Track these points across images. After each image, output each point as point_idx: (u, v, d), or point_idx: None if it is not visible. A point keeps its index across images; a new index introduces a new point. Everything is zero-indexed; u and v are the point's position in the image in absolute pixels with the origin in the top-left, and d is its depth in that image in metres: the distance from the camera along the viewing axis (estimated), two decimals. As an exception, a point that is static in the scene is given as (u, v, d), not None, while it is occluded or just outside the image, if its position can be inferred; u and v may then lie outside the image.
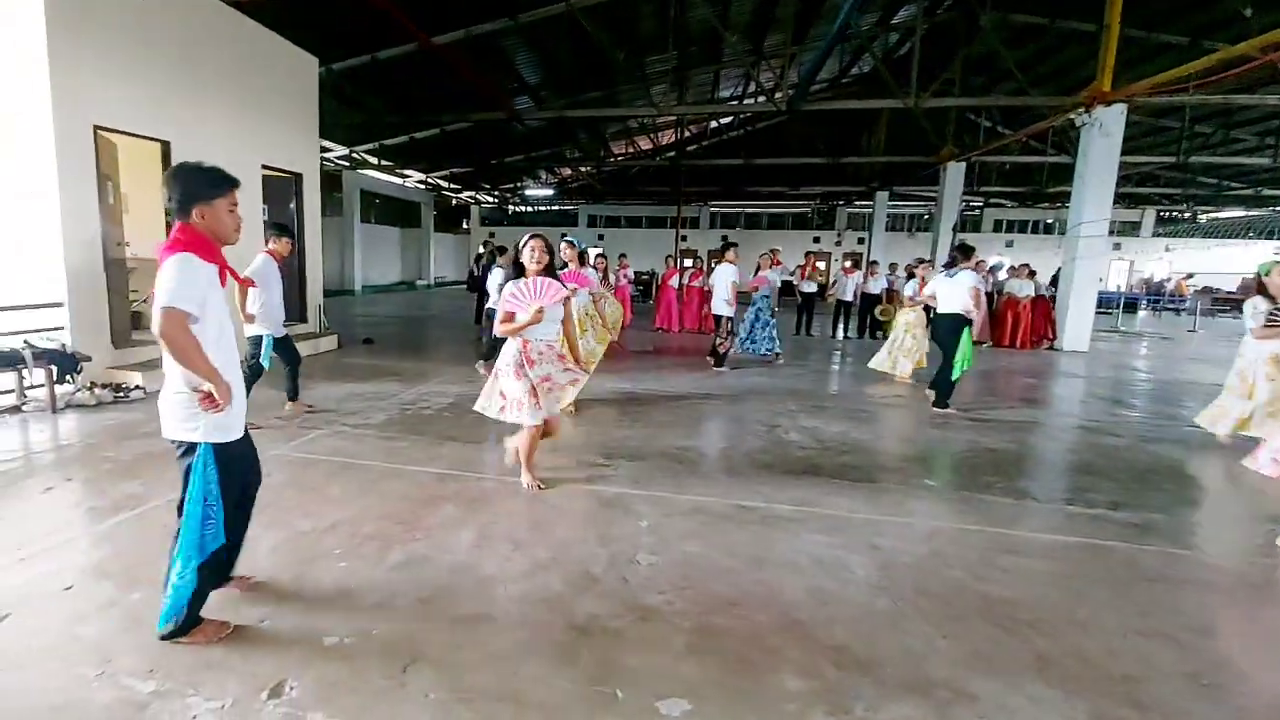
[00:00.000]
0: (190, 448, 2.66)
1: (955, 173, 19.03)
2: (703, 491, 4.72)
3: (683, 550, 3.75)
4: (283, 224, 6.56)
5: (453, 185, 30.93)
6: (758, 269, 10.98)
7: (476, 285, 15.57)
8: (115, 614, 2.93)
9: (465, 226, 38.46)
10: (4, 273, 7.11)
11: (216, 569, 2.83)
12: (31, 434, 5.80)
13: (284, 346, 6.34)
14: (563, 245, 6.61)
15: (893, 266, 15.56)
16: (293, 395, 6.68)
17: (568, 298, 4.55)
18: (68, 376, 6.68)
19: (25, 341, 6.48)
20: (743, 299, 10.13)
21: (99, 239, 7.44)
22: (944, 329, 7.46)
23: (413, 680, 2.55)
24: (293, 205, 11.24)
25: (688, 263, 16.65)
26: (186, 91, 8.63)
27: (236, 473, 2.78)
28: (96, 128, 7.37)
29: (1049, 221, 34.63)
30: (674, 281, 15.47)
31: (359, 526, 3.94)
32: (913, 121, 16.87)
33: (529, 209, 38.96)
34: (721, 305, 9.96)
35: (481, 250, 16.09)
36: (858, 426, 6.80)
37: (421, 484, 4.72)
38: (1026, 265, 14.61)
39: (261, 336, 5.99)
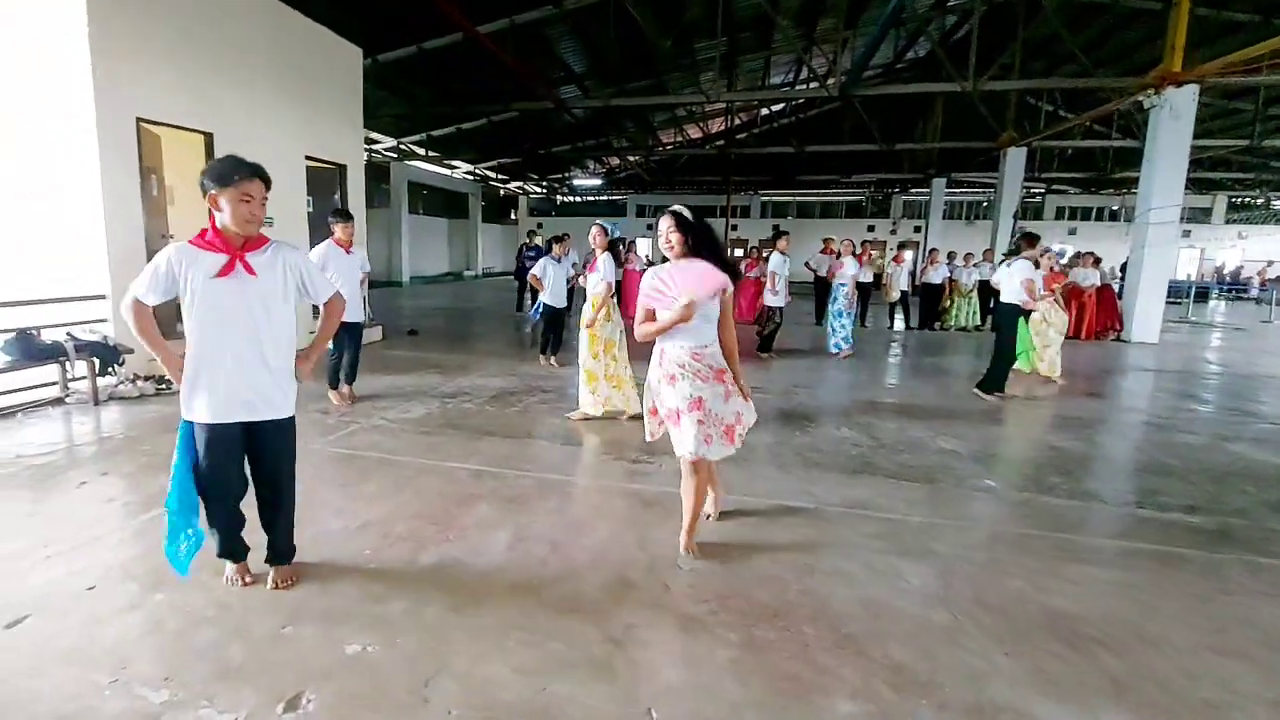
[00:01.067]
0: None
1: (1015, 158, 18.41)
2: (749, 491, 4.52)
3: (727, 555, 3.56)
4: (344, 210, 6.55)
5: (500, 176, 31.00)
6: (837, 256, 10.61)
7: (521, 274, 15.61)
8: (136, 617, 2.87)
9: (513, 217, 38.56)
10: (46, 265, 7.20)
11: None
12: (74, 426, 5.85)
13: (349, 333, 6.42)
14: (594, 230, 6.39)
15: (951, 255, 15.04)
16: (334, 383, 6.66)
17: (725, 289, 3.39)
18: (110, 369, 6.71)
19: (68, 334, 6.55)
20: (795, 289, 9.94)
21: (142, 231, 7.47)
22: (1001, 317, 7.56)
23: (435, 695, 2.42)
24: (336, 196, 11.31)
25: (738, 252, 16.33)
26: (230, 83, 8.66)
27: (206, 458, 2.91)
28: (139, 120, 7.41)
29: (1114, 208, 33.28)
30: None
31: (391, 526, 3.84)
32: (970, 106, 16.43)
33: (577, 199, 38.94)
34: (768, 294, 9.79)
35: (527, 239, 16.04)
36: (913, 422, 6.51)
37: (458, 481, 4.61)
38: (1091, 253, 14.02)
39: None
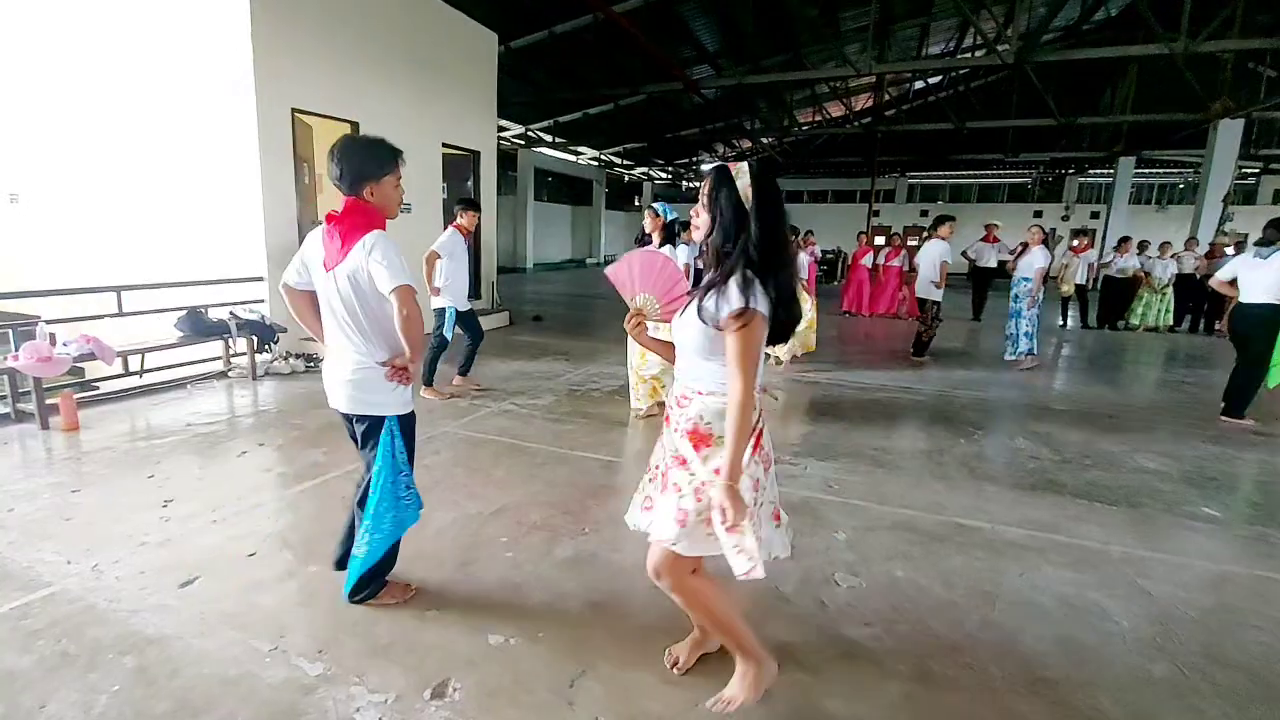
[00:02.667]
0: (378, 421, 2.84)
1: (1229, 132, 16.29)
2: (909, 503, 4.27)
3: (889, 574, 3.35)
4: (470, 198, 6.71)
5: (625, 162, 31.17)
6: (1023, 248, 9.47)
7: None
8: (292, 587, 3.12)
9: (637, 204, 38.71)
10: (211, 249, 7.97)
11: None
12: (235, 399, 6.51)
13: (467, 321, 6.57)
14: (647, 214, 5.98)
15: (1142, 246, 13.78)
16: (464, 370, 6.85)
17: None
18: (266, 346, 7.44)
19: (231, 313, 7.24)
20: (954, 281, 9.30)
21: (295, 218, 8.08)
22: (1249, 322, 6.38)
23: (580, 698, 2.42)
24: (469, 183, 11.66)
25: (880, 240, 15.65)
26: (372, 71, 9.13)
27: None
28: (294, 110, 7.96)
29: None
30: (866, 260, 14.64)
31: (525, 514, 3.94)
32: (1171, 73, 14.77)
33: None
34: (928, 287, 9.17)
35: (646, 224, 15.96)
36: (1103, 435, 5.98)
37: (588, 472, 4.67)
38: None
39: (444, 309, 6.30)
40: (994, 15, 14.83)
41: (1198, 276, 13.07)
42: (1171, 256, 13.31)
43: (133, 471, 4.51)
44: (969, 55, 18.24)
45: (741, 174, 2.07)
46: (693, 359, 2.20)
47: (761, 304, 1.99)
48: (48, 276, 8.71)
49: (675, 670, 2.55)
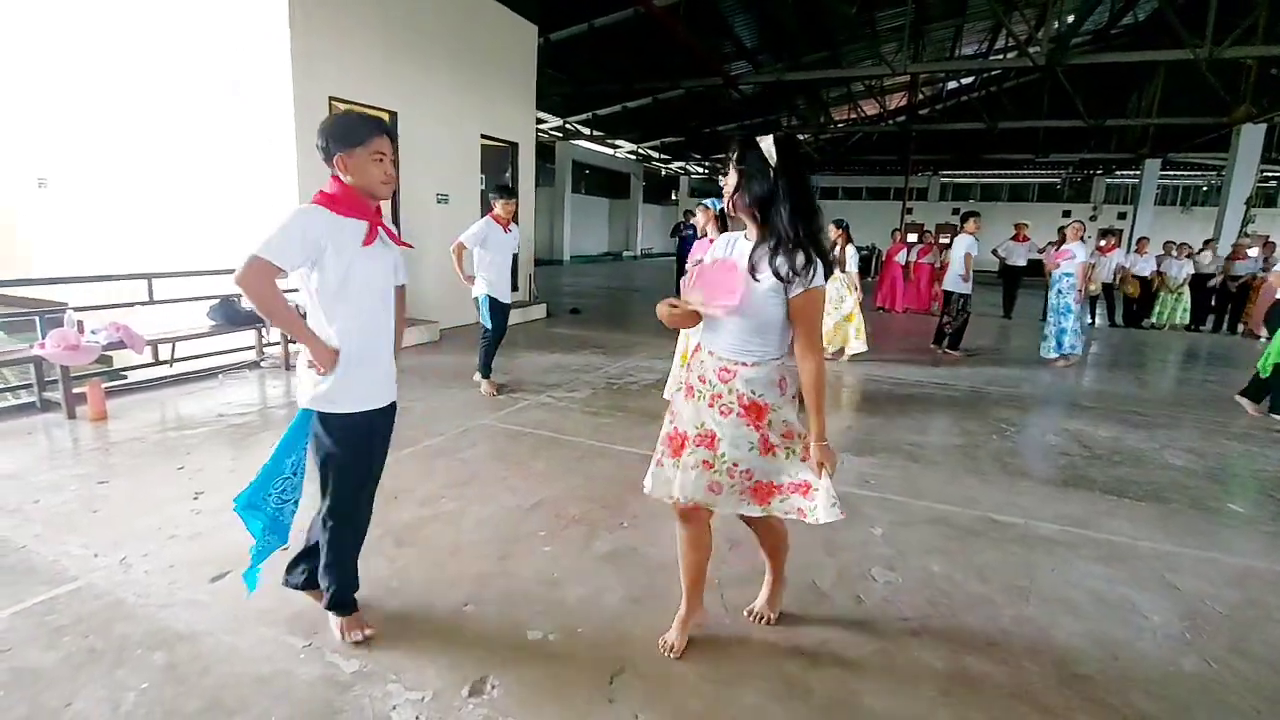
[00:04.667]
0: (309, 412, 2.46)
1: (1252, 136, 16.09)
2: (943, 498, 4.17)
3: (925, 569, 3.27)
4: (505, 185, 6.56)
5: (662, 156, 30.97)
6: (1061, 241, 9.37)
7: (682, 255, 15.42)
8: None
9: (674, 198, 38.46)
10: (245, 237, 7.60)
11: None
12: (268, 389, 6.33)
13: (496, 313, 6.20)
14: (698, 210, 5.70)
15: (1166, 247, 13.47)
16: (487, 371, 6.37)
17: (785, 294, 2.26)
18: None
19: None
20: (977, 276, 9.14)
21: None
22: None
23: (621, 695, 2.34)
24: (507, 175, 11.58)
25: (912, 237, 15.44)
26: (412, 60, 8.95)
27: (350, 449, 2.46)
28: (331, 98, 7.75)
29: None
30: (900, 257, 14.47)
31: (564, 507, 3.84)
32: (1195, 77, 14.52)
33: None
34: (955, 280, 9.08)
35: (683, 218, 15.91)
36: (1132, 431, 5.86)
37: (627, 465, 4.54)
38: None
39: (478, 298, 6.09)
40: (1025, 18, 14.56)
41: (1218, 277, 12.88)
42: (1188, 257, 13.08)
43: (162, 463, 4.35)
44: (1000, 57, 17.96)
45: (765, 140, 2.18)
46: (741, 332, 2.27)
47: (821, 277, 2.19)
48: (76, 263, 8.66)
49: (672, 654, 2.52)
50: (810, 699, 2.33)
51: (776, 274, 2.14)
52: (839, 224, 8.90)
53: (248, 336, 7.09)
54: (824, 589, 3.04)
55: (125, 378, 6.49)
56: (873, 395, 6.84)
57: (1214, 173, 26.96)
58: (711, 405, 2.33)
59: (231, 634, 2.59)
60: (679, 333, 5.96)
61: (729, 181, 2.23)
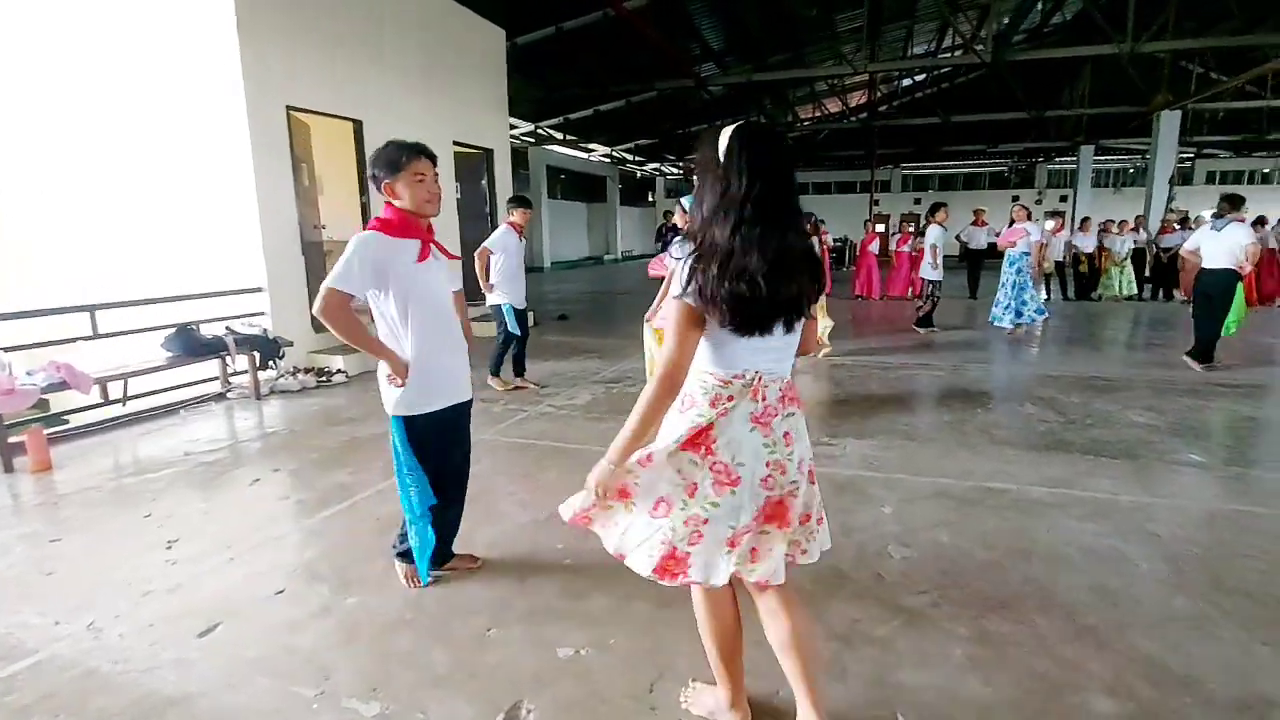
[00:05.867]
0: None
1: (1169, 122, 16.85)
2: (941, 472, 4.25)
3: (935, 541, 3.32)
4: (522, 196, 6.48)
5: (637, 158, 30.38)
6: (1010, 223, 9.79)
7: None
8: (330, 623, 2.70)
9: (651, 199, 37.61)
10: (202, 259, 7.05)
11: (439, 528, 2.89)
12: (237, 422, 5.75)
13: (517, 319, 6.27)
14: (676, 210, 5.57)
15: (1105, 225, 14.13)
16: (496, 370, 6.46)
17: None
18: (270, 362, 6.53)
19: (227, 328, 6.34)
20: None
21: (296, 222, 7.32)
22: (1214, 285, 6.93)
23: (662, 702, 2.22)
24: (484, 181, 11.11)
25: (880, 227, 15.69)
26: (376, 68, 8.42)
27: (430, 445, 2.77)
28: (289, 108, 7.23)
29: (1266, 170, 31.48)
30: (873, 247, 14.72)
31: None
32: (1118, 71, 15.35)
33: None
34: (926, 268, 9.38)
35: (665, 219, 15.92)
36: (1097, 395, 6.09)
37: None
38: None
39: (499, 305, 6.10)
40: (968, 19, 14.82)
41: (1150, 252, 13.82)
42: (1129, 233, 13.76)
43: (124, 512, 3.85)
44: (950, 55, 18.37)
45: (725, 132, 1.69)
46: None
47: (676, 285, 1.67)
48: (10, 298, 7.06)
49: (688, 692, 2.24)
50: (848, 680, 2.32)
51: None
52: (808, 217, 9.00)
53: (210, 367, 6.37)
54: (845, 570, 3.04)
55: (66, 422, 5.64)
56: (864, 380, 6.88)
57: (1139, 156, 28.02)
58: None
59: (230, 690, 2.30)
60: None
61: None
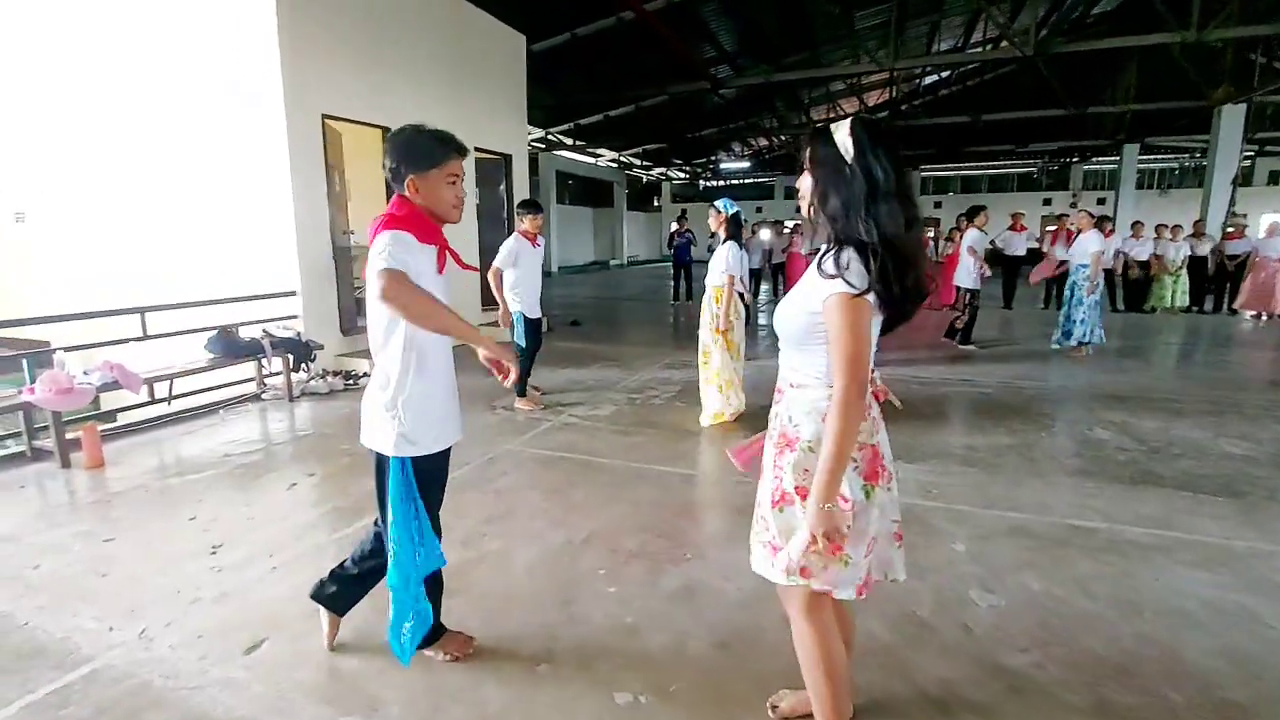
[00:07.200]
0: (382, 459, 2.32)
1: (1233, 117, 15.95)
2: (1014, 505, 3.90)
3: (1024, 587, 2.98)
4: (532, 200, 6.26)
5: (644, 163, 30.63)
6: (1077, 232, 9.13)
7: (677, 261, 15.40)
8: (376, 647, 2.56)
9: (656, 204, 37.99)
10: (240, 263, 7.37)
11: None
12: (271, 424, 5.91)
13: (530, 330, 6.09)
14: (710, 212, 5.64)
15: (1159, 230, 13.30)
16: (520, 389, 6.15)
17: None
18: (303, 365, 6.78)
19: (264, 331, 6.62)
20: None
21: (328, 228, 7.60)
22: None
23: None
24: (503, 187, 11.21)
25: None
26: (404, 75, 8.66)
27: (434, 495, 2.39)
28: (325, 116, 7.47)
29: None
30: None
31: (618, 540, 3.49)
32: (1169, 63, 14.66)
33: (722, 183, 38.13)
34: (963, 275, 8.98)
35: (677, 225, 15.73)
36: (1175, 420, 5.65)
37: (672, 489, 4.25)
38: None
39: (513, 315, 5.94)
40: (1001, 11, 14.46)
41: (1214, 261, 12.90)
42: (1185, 239, 12.95)
43: (171, 512, 3.95)
44: (979, 50, 17.97)
45: (840, 129, 1.71)
46: (788, 347, 1.86)
47: (856, 279, 1.62)
48: (58, 300, 7.90)
49: (771, 713, 2.17)
50: None
51: (821, 268, 1.70)
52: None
53: (248, 368, 6.66)
54: (924, 618, 2.73)
55: (115, 420, 5.96)
56: (904, 396, 6.45)
57: (1188, 155, 27.25)
58: (771, 426, 1.96)
59: (280, 717, 2.23)
60: (697, 348, 5.74)
61: (803, 185, 1.81)
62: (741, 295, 5.59)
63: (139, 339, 5.91)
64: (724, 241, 5.44)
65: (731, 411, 5.54)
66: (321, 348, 7.04)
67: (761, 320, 11.63)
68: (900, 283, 1.64)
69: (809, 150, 1.77)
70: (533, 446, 5.08)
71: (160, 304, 6.19)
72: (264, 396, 6.64)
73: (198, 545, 3.49)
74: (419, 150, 2.21)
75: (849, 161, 1.67)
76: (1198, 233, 13.37)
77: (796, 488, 1.75)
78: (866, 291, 1.62)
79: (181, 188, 7.57)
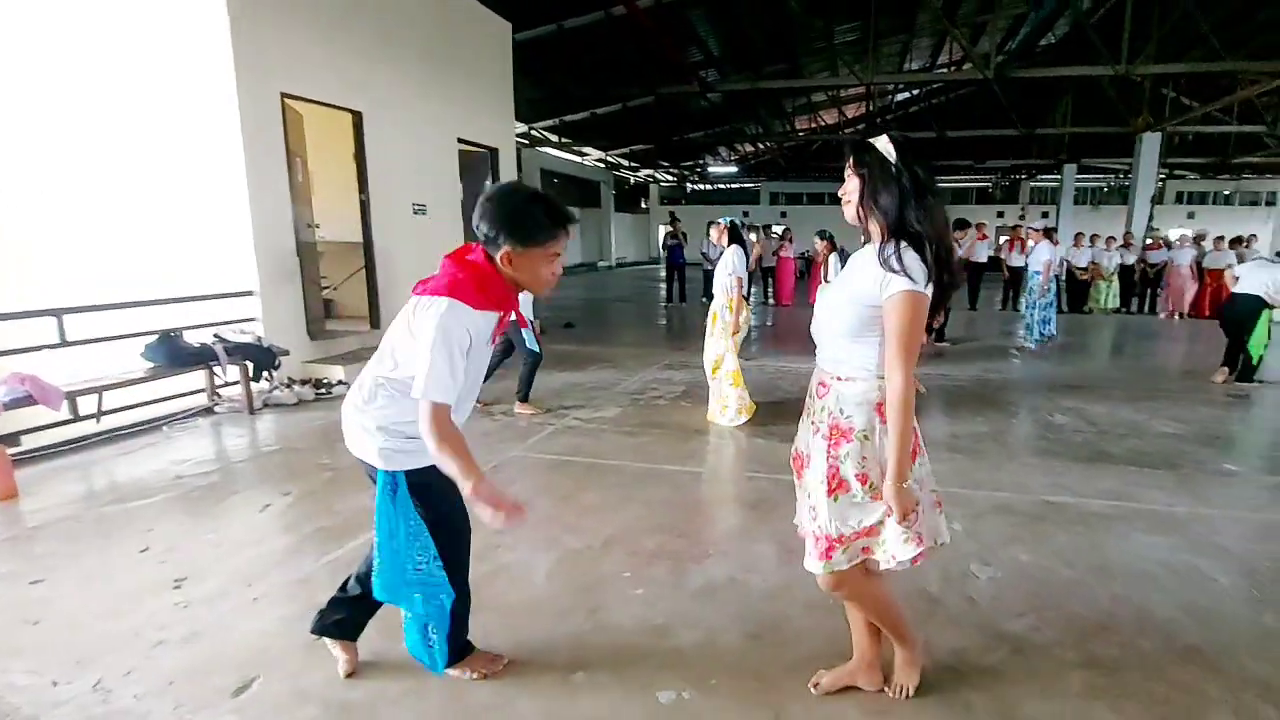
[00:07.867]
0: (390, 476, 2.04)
1: (1151, 143, 17.57)
2: (998, 485, 4.19)
3: (1015, 559, 3.23)
4: None
5: (632, 163, 29.87)
6: (1023, 241, 10.30)
7: (671, 264, 15.55)
8: (387, 673, 2.33)
9: (644, 206, 37.40)
10: (187, 260, 6.36)
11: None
12: (230, 439, 5.15)
13: (531, 334, 5.82)
14: (712, 229, 5.88)
15: (1094, 239, 14.64)
16: (523, 395, 5.94)
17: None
18: (264, 373, 5.91)
19: (215, 335, 5.72)
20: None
21: (290, 220, 6.69)
22: (1243, 311, 7.03)
23: None
24: (488, 182, 9.91)
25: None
26: (377, 56, 7.70)
27: (455, 505, 2.08)
28: (284, 95, 6.55)
29: (1226, 193, 34.01)
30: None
31: (637, 542, 3.38)
32: (1098, 93, 16.14)
33: (708, 187, 37.91)
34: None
35: (670, 228, 15.90)
36: (1121, 405, 6.23)
37: (684, 487, 4.23)
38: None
39: (527, 319, 5.70)
40: (963, 35, 15.04)
41: (1138, 268, 14.43)
42: (1116, 249, 14.43)
43: (113, 545, 3.33)
44: (944, 70, 18.86)
45: (879, 139, 1.88)
46: (836, 340, 1.94)
47: (919, 274, 1.76)
48: None
49: (814, 690, 2.24)
50: (975, 714, 2.18)
51: (885, 264, 1.80)
52: (822, 234, 9.05)
53: (197, 378, 5.72)
54: (934, 594, 2.90)
55: (20, 443, 4.68)
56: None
57: (1114, 175, 29.87)
58: (812, 424, 2.03)
59: None
60: (698, 348, 5.94)
61: (849, 189, 1.92)
62: (746, 297, 5.88)
63: (54, 346, 4.89)
64: (729, 246, 5.69)
65: (749, 406, 5.66)
66: (286, 353, 6.22)
67: (752, 321, 11.81)
68: (948, 270, 1.83)
69: (853, 157, 1.90)
70: (537, 451, 4.87)
71: (81, 305, 5.13)
72: (218, 409, 5.76)
73: (155, 579, 2.98)
74: (528, 224, 1.93)
75: (894, 163, 1.83)
76: (1126, 243, 14.78)
77: (857, 475, 1.88)
78: (928, 285, 1.78)
79: (117, 175, 6.39)
